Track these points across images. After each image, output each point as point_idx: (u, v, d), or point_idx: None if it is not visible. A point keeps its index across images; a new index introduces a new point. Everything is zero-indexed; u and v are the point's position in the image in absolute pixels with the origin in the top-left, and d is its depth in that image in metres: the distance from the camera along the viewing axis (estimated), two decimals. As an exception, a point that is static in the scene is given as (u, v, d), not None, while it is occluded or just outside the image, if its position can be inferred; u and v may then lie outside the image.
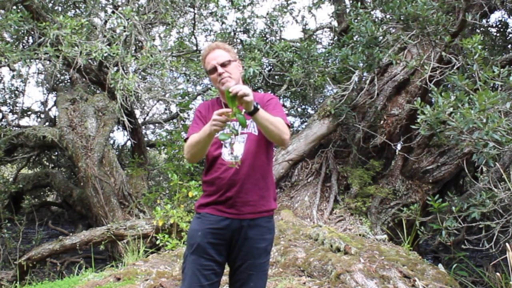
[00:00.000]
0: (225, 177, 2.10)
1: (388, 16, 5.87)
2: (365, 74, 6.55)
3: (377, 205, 6.55)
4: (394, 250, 4.47)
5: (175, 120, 11.22)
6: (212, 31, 8.79)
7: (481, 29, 8.07)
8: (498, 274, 3.51)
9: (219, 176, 2.12)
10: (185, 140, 2.19)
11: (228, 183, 2.10)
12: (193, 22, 8.04)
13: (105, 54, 5.70)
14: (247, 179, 2.11)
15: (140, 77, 7.50)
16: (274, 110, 2.15)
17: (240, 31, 8.44)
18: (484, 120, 3.29)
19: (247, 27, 8.40)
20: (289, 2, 8.81)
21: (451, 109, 3.53)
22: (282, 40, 8.30)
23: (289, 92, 9.31)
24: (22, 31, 6.38)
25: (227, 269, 2.24)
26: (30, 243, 8.27)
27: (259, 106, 1.94)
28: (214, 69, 2.15)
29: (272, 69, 9.00)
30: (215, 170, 2.14)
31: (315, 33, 9.60)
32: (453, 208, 3.95)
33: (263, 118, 1.95)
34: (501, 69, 3.84)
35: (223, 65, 2.15)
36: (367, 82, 6.71)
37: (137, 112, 10.72)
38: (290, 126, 2.20)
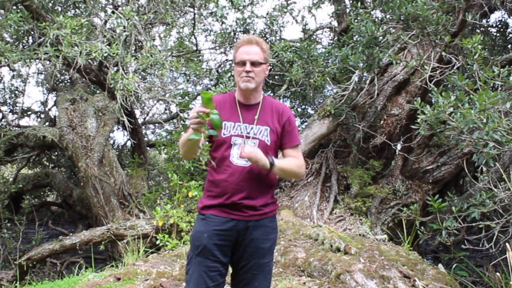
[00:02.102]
0: (233, 181, 2.09)
1: (388, 16, 5.88)
2: (365, 74, 6.55)
3: (377, 205, 6.55)
4: (394, 250, 4.47)
5: (175, 120, 11.22)
6: (212, 31, 8.80)
7: (481, 29, 8.07)
8: (498, 274, 3.51)
9: (226, 179, 2.10)
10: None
11: (235, 188, 2.09)
12: (193, 22, 8.04)
13: (105, 54, 5.70)
14: (254, 185, 2.11)
15: (140, 77, 7.49)
16: (294, 137, 2.24)
17: (240, 31, 8.44)
18: (484, 120, 3.29)
19: (247, 27, 8.40)
20: (289, 2, 8.82)
21: (451, 109, 3.53)
22: (282, 40, 8.30)
23: (289, 92, 9.31)
24: (22, 31, 6.37)
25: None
26: (30, 243, 8.27)
27: (274, 162, 2.04)
28: (243, 64, 2.11)
29: (272, 69, 9.00)
30: (221, 171, 2.11)
31: (315, 33, 9.60)
32: (453, 208, 3.95)
33: (280, 170, 2.09)
34: (501, 69, 3.84)
35: (253, 64, 2.11)
36: (367, 82, 6.70)
37: (137, 112, 10.73)
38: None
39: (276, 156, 2.22)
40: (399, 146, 7.43)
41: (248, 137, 2.12)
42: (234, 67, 2.18)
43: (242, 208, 2.10)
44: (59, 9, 7.93)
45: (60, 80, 10.27)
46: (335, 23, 9.27)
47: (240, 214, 2.10)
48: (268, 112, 2.20)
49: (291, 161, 2.18)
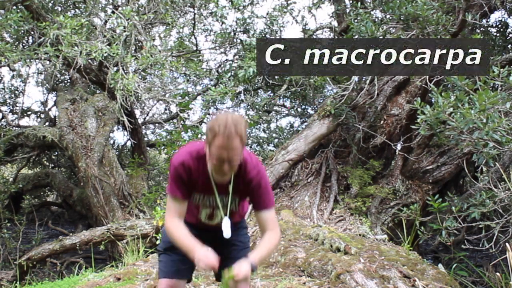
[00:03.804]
0: (200, 229, 2.22)
1: (388, 16, 5.88)
2: (365, 74, 6.54)
3: (377, 205, 6.54)
4: (394, 250, 4.47)
5: (175, 120, 11.21)
6: (212, 31, 8.80)
7: (481, 29, 8.06)
8: (498, 274, 3.51)
9: (194, 225, 2.21)
10: (169, 192, 2.09)
11: (203, 227, 2.24)
12: (193, 22, 8.05)
13: (105, 54, 5.70)
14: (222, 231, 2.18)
15: (140, 77, 7.49)
16: (262, 201, 2.12)
17: (240, 31, 8.44)
18: (484, 120, 3.29)
19: (247, 27, 8.40)
20: (289, 2, 8.81)
21: (451, 109, 3.53)
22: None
23: (289, 92, 9.30)
24: (22, 31, 6.38)
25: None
26: (30, 243, 8.26)
27: (256, 267, 2.02)
28: (222, 161, 1.90)
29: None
30: (190, 218, 2.21)
31: (315, 33, 9.59)
32: (453, 208, 3.95)
33: (261, 262, 2.21)
34: (501, 69, 3.83)
35: (231, 161, 1.92)
36: (367, 82, 6.71)
37: (137, 112, 10.70)
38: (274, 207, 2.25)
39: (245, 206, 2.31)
40: (399, 146, 7.43)
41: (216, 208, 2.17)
42: (207, 149, 1.93)
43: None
44: (59, 9, 7.93)
45: (60, 80, 10.25)
46: (335, 23, 9.26)
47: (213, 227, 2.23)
48: (239, 181, 2.11)
49: (267, 243, 2.11)
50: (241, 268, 1.93)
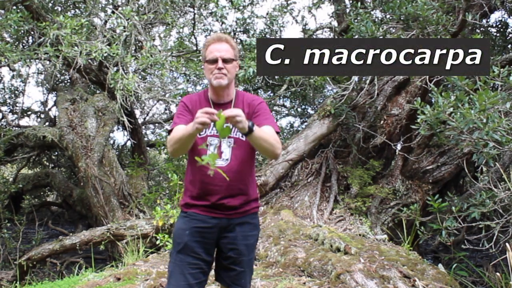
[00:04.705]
0: (210, 182, 2.07)
1: (388, 16, 5.88)
2: (365, 74, 6.54)
3: (377, 205, 6.54)
4: (394, 250, 4.47)
5: (175, 120, 11.17)
6: (212, 31, 8.80)
7: (481, 29, 8.07)
8: (498, 274, 3.51)
9: (203, 180, 2.08)
10: (169, 132, 2.14)
11: (213, 189, 2.08)
12: (193, 22, 8.05)
13: (105, 54, 5.71)
14: (232, 185, 2.09)
15: (140, 77, 7.50)
16: (265, 119, 2.14)
17: (240, 31, 8.45)
18: (484, 120, 3.29)
19: (247, 27, 8.40)
20: (289, 2, 8.81)
21: (451, 109, 3.53)
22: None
23: (289, 92, 9.31)
24: (22, 31, 6.39)
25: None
26: (30, 243, 8.27)
27: (254, 128, 1.92)
28: (215, 61, 2.10)
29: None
30: (199, 171, 2.08)
31: (315, 33, 9.60)
32: (453, 208, 3.95)
33: (258, 138, 1.96)
34: (501, 69, 3.83)
35: (225, 61, 2.10)
36: (367, 82, 6.71)
37: (137, 112, 10.73)
38: (280, 132, 2.26)
39: (252, 154, 2.20)
40: (399, 146, 7.43)
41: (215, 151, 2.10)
42: (205, 65, 2.17)
43: (222, 208, 2.11)
44: (59, 9, 7.94)
45: (60, 80, 10.26)
46: (335, 23, 9.27)
47: (222, 212, 2.12)
48: (240, 107, 2.14)
49: (269, 133, 2.06)
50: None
